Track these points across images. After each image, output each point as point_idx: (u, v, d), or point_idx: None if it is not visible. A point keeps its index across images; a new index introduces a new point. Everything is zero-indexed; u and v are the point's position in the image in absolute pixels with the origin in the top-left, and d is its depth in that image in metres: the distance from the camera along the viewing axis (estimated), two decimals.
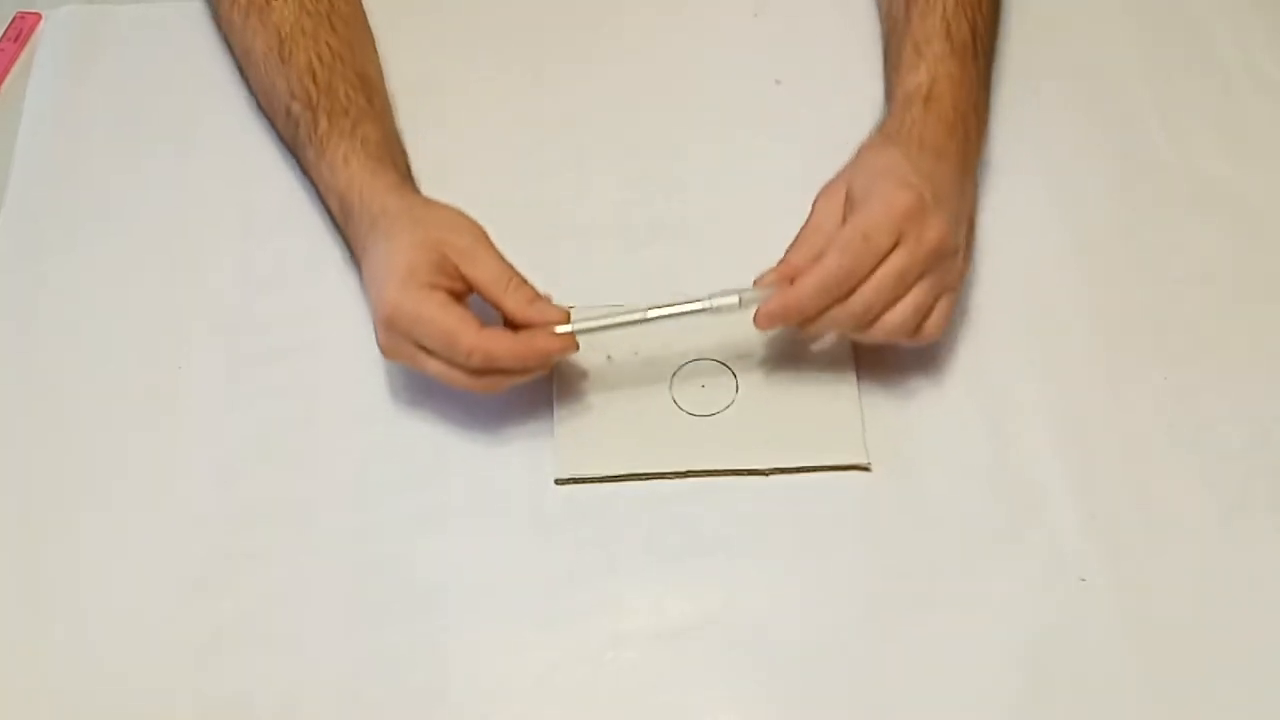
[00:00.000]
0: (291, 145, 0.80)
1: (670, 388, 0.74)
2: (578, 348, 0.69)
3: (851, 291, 0.67)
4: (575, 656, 0.67)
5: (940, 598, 0.68)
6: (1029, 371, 0.75)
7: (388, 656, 0.67)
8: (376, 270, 0.70)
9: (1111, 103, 0.86)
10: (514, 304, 0.69)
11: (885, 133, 0.73)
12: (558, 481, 0.72)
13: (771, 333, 0.74)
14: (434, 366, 0.69)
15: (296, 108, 0.77)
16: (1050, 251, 0.79)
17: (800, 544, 0.70)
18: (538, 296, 0.69)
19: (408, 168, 0.78)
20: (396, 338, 0.69)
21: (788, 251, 0.70)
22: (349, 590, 0.69)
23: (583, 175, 0.83)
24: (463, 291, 0.69)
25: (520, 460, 0.73)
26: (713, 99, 0.86)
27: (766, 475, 0.71)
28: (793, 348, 0.75)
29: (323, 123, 0.76)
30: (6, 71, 0.90)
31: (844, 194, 0.70)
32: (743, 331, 0.74)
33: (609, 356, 0.75)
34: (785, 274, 0.69)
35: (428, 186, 0.78)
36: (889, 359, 0.74)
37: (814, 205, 0.72)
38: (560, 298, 0.76)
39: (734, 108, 0.86)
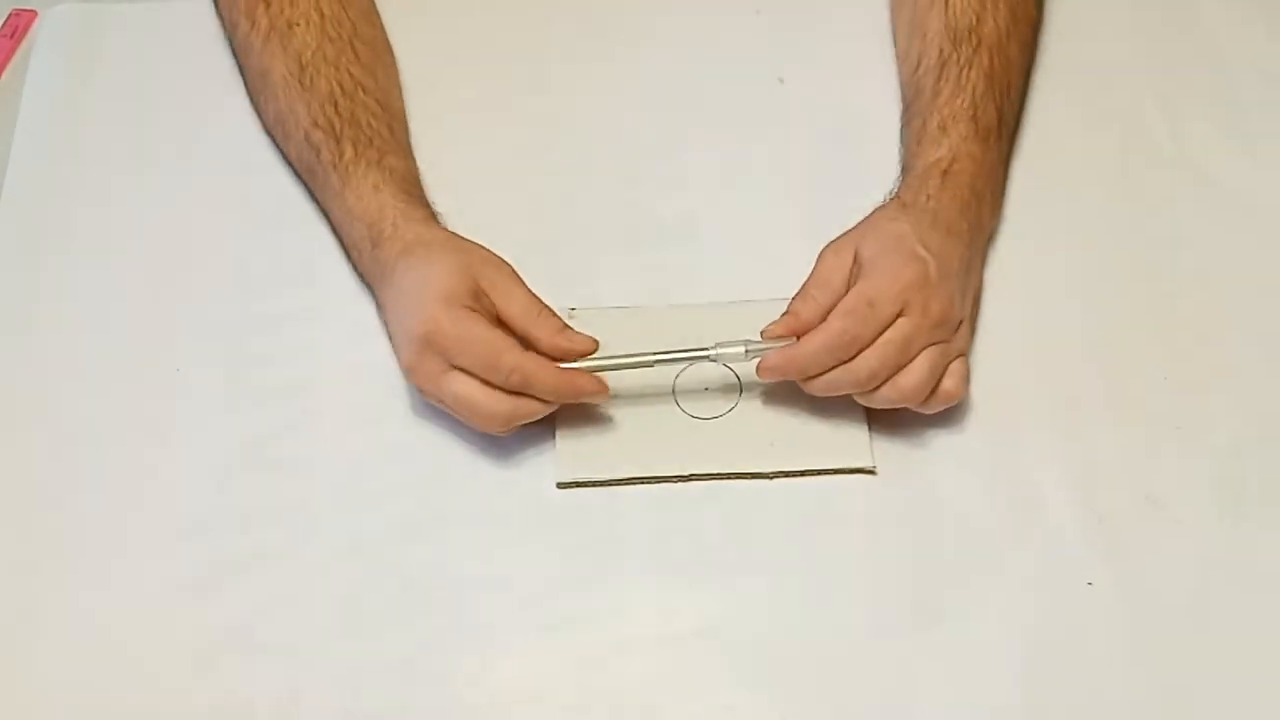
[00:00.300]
0: (306, 170, 0.79)
1: (673, 391, 0.74)
2: (609, 396, 0.70)
3: (855, 355, 0.68)
4: (577, 661, 0.67)
5: (944, 601, 0.68)
6: (1031, 373, 0.75)
7: (387, 662, 0.67)
8: (411, 291, 0.70)
9: (1113, 99, 0.85)
10: (544, 333, 0.70)
11: (901, 202, 0.74)
12: (560, 485, 0.71)
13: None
14: (460, 387, 0.69)
15: (318, 135, 0.77)
16: (1051, 251, 0.79)
17: (804, 548, 0.70)
18: (566, 327, 0.70)
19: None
20: (429, 355, 0.69)
21: (792, 302, 0.71)
22: (349, 594, 0.69)
23: (584, 175, 0.83)
24: (493, 322, 0.70)
25: (522, 464, 0.72)
26: (715, 97, 0.86)
27: (770, 479, 0.71)
28: None
29: (348, 151, 0.76)
30: (2, 68, 0.89)
31: (852, 254, 0.71)
32: (745, 333, 0.73)
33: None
34: (792, 328, 0.70)
35: (428, 187, 0.78)
36: None
37: (820, 259, 0.72)
38: (560, 298, 0.77)
39: (737, 106, 0.85)
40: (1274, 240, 0.80)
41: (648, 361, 0.70)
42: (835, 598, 0.68)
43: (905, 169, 0.77)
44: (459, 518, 0.71)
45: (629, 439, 0.72)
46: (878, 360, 0.68)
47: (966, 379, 0.71)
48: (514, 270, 0.72)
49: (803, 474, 0.71)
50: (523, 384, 0.68)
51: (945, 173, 0.74)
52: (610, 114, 0.85)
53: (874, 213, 0.74)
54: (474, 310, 0.69)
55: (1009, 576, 0.68)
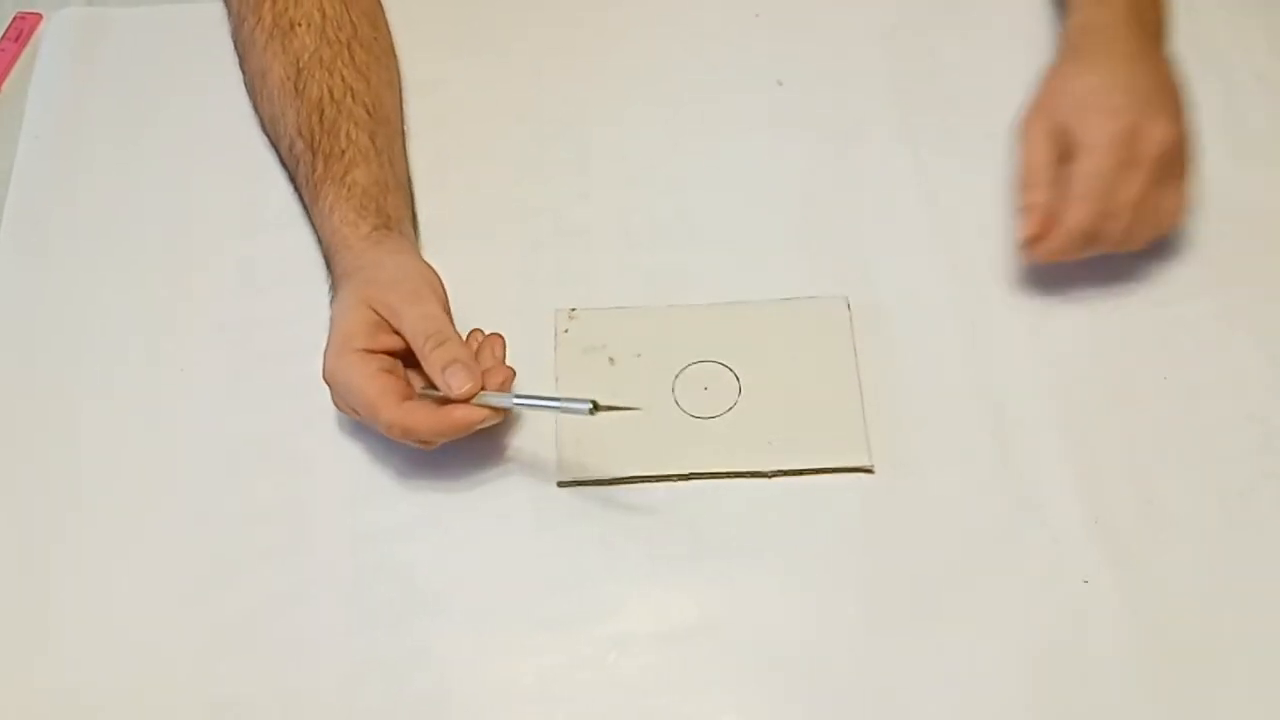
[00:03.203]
0: (292, 181, 0.80)
1: (672, 390, 0.74)
2: (500, 417, 0.68)
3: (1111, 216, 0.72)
4: (577, 660, 0.67)
5: (943, 600, 0.68)
6: (1031, 372, 0.75)
7: (388, 659, 0.67)
8: (331, 329, 0.71)
9: None
10: (430, 366, 0.68)
11: (1072, 47, 0.76)
12: (560, 484, 0.71)
13: (773, 332, 0.75)
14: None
15: (300, 146, 0.77)
16: None
17: (803, 546, 0.70)
18: (457, 360, 0.68)
19: (404, 204, 0.77)
20: (337, 398, 0.70)
21: (1024, 195, 0.73)
22: (350, 593, 0.69)
23: (583, 175, 0.83)
24: (404, 350, 0.69)
25: (522, 462, 0.72)
26: (714, 99, 0.86)
27: (769, 477, 0.71)
28: (795, 349, 0.75)
29: (319, 167, 0.76)
30: (7, 72, 0.90)
31: (1050, 126, 0.73)
32: (745, 333, 0.74)
33: (611, 359, 0.75)
34: (1040, 223, 0.72)
35: (428, 187, 0.78)
36: (891, 360, 0.74)
37: (1025, 139, 0.74)
38: (560, 298, 0.77)
39: (736, 108, 0.86)
40: (1275, 242, 0.80)
41: (511, 404, 0.68)
42: (834, 597, 0.68)
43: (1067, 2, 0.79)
44: (459, 517, 0.71)
45: (629, 438, 0.72)
46: (1131, 220, 0.72)
47: (1185, 197, 0.74)
48: (422, 290, 0.70)
49: (801, 473, 0.71)
50: (404, 435, 0.68)
51: None
52: (610, 114, 0.85)
53: (1053, 70, 0.75)
54: (370, 353, 0.68)
55: (1008, 576, 0.68)
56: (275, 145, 0.81)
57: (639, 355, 0.75)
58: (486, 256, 0.78)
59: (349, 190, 0.75)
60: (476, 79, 0.87)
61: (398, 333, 0.69)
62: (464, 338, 0.71)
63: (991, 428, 0.73)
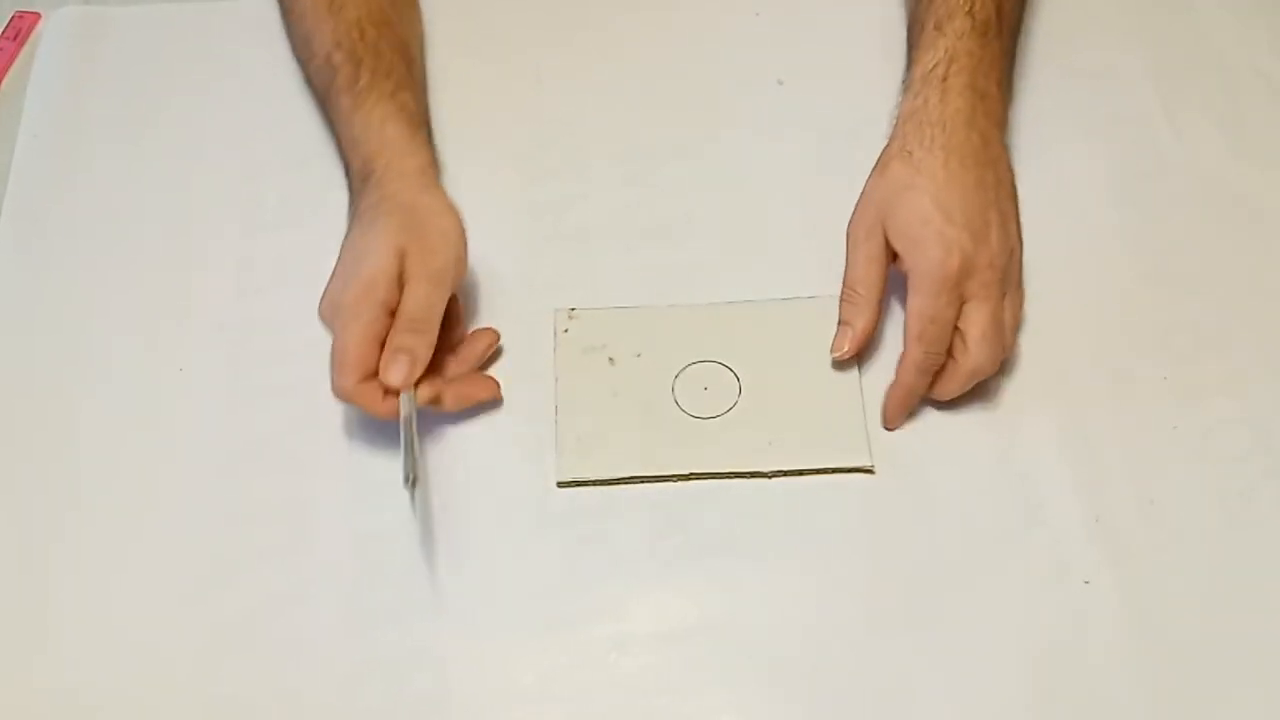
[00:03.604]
0: (323, 92, 0.79)
1: (673, 390, 0.74)
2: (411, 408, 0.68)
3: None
4: (577, 660, 0.67)
5: (943, 600, 0.68)
6: (1032, 372, 0.75)
7: (388, 659, 0.67)
8: (353, 255, 0.71)
9: (1118, 104, 0.85)
10: (389, 342, 0.68)
11: (903, 141, 0.73)
12: (560, 484, 0.71)
13: (773, 332, 0.75)
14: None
15: (339, 57, 0.77)
16: (1054, 252, 0.79)
17: (803, 546, 0.70)
18: (405, 352, 0.68)
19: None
20: (328, 323, 0.70)
21: (842, 310, 0.73)
22: (349, 592, 0.69)
23: (583, 175, 0.83)
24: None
25: (521, 462, 0.72)
26: (714, 99, 0.86)
27: (769, 477, 0.71)
28: (795, 349, 0.75)
29: (364, 77, 0.76)
30: (5, 71, 0.90)
31: (881, 237, 0.72)
32: (745, 333, 0.74)
33: (610, 359, 0.75)
34: (855, 341, 0.72)
35: None
36: (891, 360, 0.74)
37: (851, 252, 0.73)
38: (560, 298, 0.77)
39: (735, 107, 0.85)
40: (1277, 242, 0.80)
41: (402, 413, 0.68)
42: (834, 597, 0.68)
43: (906, 78, 0.77)
44: (459, 516, 0.71)
45: (629, 438, 0.72)
46: (976, 350, 0.70)
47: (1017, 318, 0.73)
48: (440, 264, 0.70)
49: (801, 473, 0.71)
50: (344, 400, 0.69)
51: (944, 79, 0.74)
52: (610, 114, 0.85)
53: (886, 171, 0.73)
54: (381, 309, 0.68)
55: (1008, 576, 0.68)
56: (305, 64, 0.81)
57: (639, 355, 0.75)
58: (486, 256, 0.78)
59: (400, 109, 0.75)
60: (477, 79, 0.87)
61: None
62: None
63: (991, 427, 0.73)
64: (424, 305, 0.69)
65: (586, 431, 0.72)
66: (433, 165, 0.75)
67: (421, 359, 0.69)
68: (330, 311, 0.70)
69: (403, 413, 0.68)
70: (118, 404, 0.75)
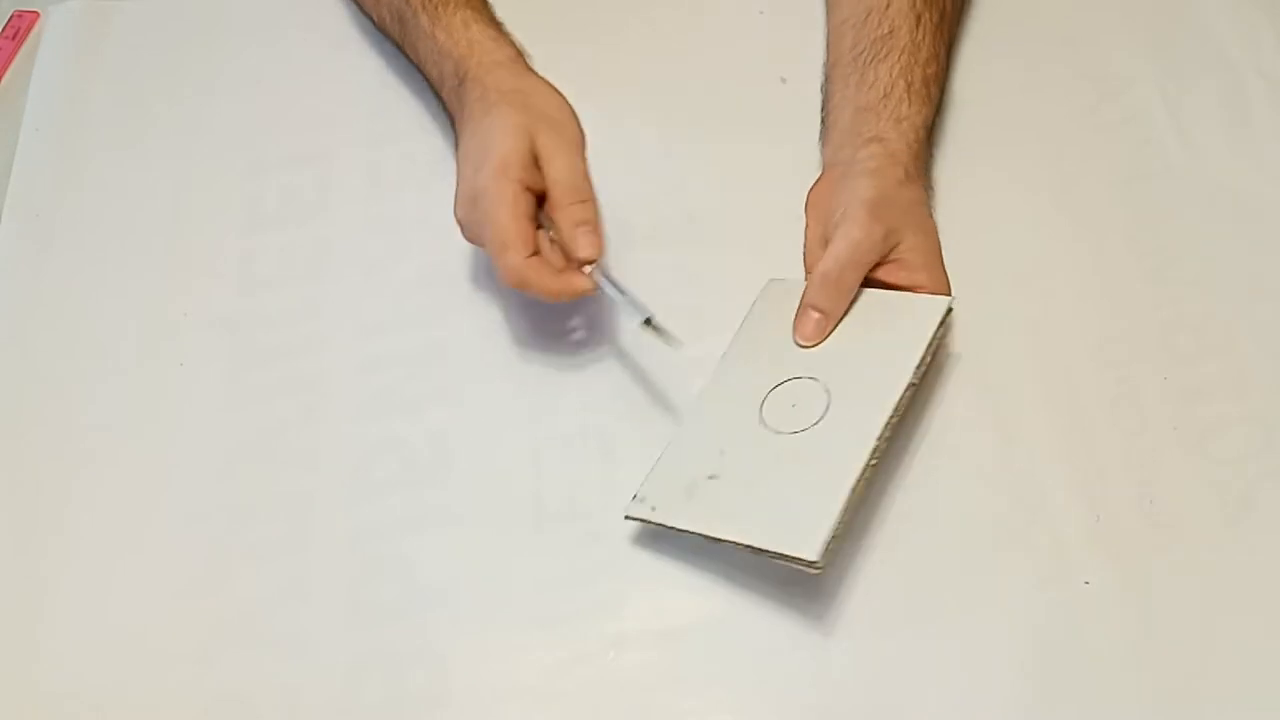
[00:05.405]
0: (397, 19, 0.80)
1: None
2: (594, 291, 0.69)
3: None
4: (576, 657, 0.67)
5: (943, 601, 0.68)
6: (1033, 373, 0.75)
7: (387, 655, 0.67)
8: (475, 146, 0.71)
9: (1121, 104, 0.85)
10: (563, 220, 0.69)
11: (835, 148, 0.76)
12: (627, 517, 0.69)
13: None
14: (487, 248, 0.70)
15: None
16: (1056, 252, 0.79)
17: None
18: (590, 222, 0.69)
19: None
20: (472, 218, 0.70)
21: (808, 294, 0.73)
22: (349, 589, 0.69)
23: None
24: (543, 193, 0.70)
25: (521, 458, 0.72)
26: (718, 97, 0.86)
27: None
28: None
29: None
30: (4, 69, 0.90)
31: (822, 233, 0.73)
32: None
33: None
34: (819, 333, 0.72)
35: (428, 186, 0.78)
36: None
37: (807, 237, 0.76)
38: None
39: (740, 106, 0.85)
40: (1275, 245, 0.80)
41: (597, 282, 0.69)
42: (834, 596, 0.68)
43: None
44: (458, 513, 0.71)
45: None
46: None
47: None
48: (573, 135, 0.71)
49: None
50: (518, 285, 0.68)
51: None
52: (611, 113, 0.85)
53: (840, 176, 0.75)
54: (522, 184, 0.68)
55: (1008, 576, 0.68)
56: (377, 5, 0.82)
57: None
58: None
59: (478, 11, 0.77)
60: None
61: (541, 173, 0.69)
62: None
63: (992, 426, 0.73)
64: (578, 173, 0.70)
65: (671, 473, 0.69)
66: (522, 55, 0.76)
67: (598, 223, 0.69)
68: (468, 205, 0.70)
69: (597, 277, 0.68)
70: (118, 399, 0.75)
